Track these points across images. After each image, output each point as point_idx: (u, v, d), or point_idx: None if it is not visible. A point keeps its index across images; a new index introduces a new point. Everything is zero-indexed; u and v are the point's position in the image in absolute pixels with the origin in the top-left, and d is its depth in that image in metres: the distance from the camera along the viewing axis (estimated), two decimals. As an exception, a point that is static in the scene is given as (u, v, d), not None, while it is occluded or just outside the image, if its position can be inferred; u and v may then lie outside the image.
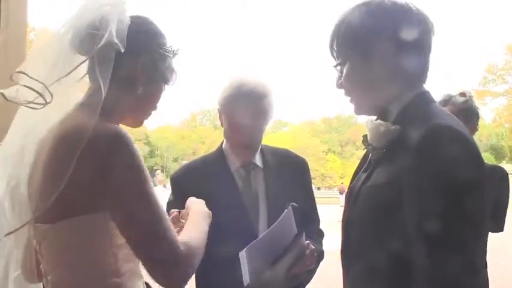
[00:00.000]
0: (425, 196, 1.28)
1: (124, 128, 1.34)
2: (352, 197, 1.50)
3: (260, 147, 2.25)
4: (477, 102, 2.98)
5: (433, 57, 1.52)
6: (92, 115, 1.32)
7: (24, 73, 1.36)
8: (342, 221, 1.57)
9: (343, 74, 1.49)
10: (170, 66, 1.49)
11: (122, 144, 1.28)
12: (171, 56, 1.50)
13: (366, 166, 1.51)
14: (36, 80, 1.36)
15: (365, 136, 1.52)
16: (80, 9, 1.42)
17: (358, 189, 1.47)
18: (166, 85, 1.51)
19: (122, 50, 1.39)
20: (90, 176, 1.27)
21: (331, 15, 1.54)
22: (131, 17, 1.46)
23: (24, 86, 1.36)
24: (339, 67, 1.51)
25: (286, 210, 1.72)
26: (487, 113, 48.69)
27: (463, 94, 2.63)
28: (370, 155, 1.51)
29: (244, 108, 2.06)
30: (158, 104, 1.54)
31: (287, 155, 2.36)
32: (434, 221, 1.27)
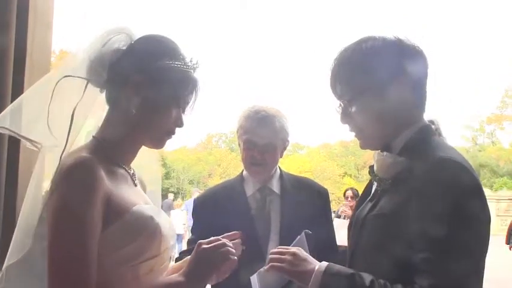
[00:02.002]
0: (431, 223, 1.30)
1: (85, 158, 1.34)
2: (358, 226, 1.52)
3: (280, 173, 2.28)
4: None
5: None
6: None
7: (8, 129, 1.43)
8: (348, 248, 1.59)
9: (354, 110, 1.51)
10: (177, 82, 1.46)
11: (66, 175, 1.30)
12: (177, 69, 1.45)
13: (371, 196, 1.54)
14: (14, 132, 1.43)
15: (371, 167, 1.55)
16: (90, 43, 1.45)
17: (363, 218, 1.50)
18: (179, 106, 1.49)
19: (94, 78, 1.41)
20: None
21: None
22: (137, 39, 1.49)
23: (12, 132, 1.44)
24: (342, 103, 1.54)
25: (299, 236, 1.73)
26: (505, 137, 48.21)
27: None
28: (374, 185, 1.54)
29: (255, 126, 2.14)
30: (180, 122, 1.51)
31: (308, 184, 2.39)
32: (439, 246, 1.30)
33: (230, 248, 1.46)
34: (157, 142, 1.53)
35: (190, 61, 1.49)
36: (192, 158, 51.70)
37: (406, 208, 1.36)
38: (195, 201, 2.43)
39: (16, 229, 1.43)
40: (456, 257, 1.29)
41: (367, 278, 1.37)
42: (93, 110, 1.49)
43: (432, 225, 1.30)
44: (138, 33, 1.51)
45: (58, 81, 1.41)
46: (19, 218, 1.44)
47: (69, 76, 1.41)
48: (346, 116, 1.55)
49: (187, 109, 1.52)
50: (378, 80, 1.47)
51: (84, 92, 1.42)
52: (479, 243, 1.34)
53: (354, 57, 1.52)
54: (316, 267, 1.43)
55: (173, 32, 1.48)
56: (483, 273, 1.40)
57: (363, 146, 1.58)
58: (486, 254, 1.40)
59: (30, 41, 1.82)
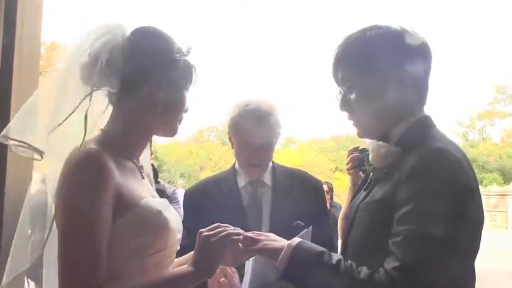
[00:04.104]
0: (410, 209, 1.30)
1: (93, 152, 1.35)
2: (352, 213, 1.54)
3: (272, 165, 2.26)
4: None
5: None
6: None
7: (11, 138, 1.44)
8: (342, 237, 1.60)
9: (353, 98, 1.51)
10: (183, 71, 1.49)
11: (75, 167, 1.32)
12: (181, 59, 1.49)
13: (366, 185, 1.54)
14: (23, 143, 1.44)
15: (367, 156, 1.55)
16: (81, 39, 1.45)
17: (357, 206, 1.50)
18: (187, 90, 1.53)
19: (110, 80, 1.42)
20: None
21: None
22: (132, 33, 1.49)
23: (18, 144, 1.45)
24: (342, 90, 1.54)
25: (306, 229, 1.71)
26: (495, 134, 48.48)
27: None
28: (371, 175, 1.54)
29: (251, 126, 2.09)
30: (187, 108, 1.55)
31: (301, 176, 2.36)
32: (412, 232, 1.30)
33: (231, 230, 1.48)
34: (173, 129, 1.55)
35: (187, 49, 1.51)
36: (184, 152, 51.58)
37: (394, 195, 1.37)
38: (186, 192, 2.39)
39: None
40: (426, 244, 1.28)
41: (336, 257, 1.40)
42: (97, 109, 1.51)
43: (411, 211, 1.31)
44: (129, 29, 1.51)
45: (87, 95, 1.42)
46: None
47: (98, 89, 1.44)
48: (345, 104, 1.55)
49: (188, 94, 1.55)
50: (379, 70, 1.47)
51: (90, 99, 1.43)
52: (456, 237, 1.31)
53: (356, 46, 1.51)
54: (289, 242, 1.46)
55: (173, 31, 1.49)
56: (465, 271, 1.40)
57: (361, 135, 1.58)
58: (469, 250, 1.39)
59: (19, 32, 1.79)
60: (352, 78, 1.51)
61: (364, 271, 1.33)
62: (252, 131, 2.12)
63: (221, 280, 1.75)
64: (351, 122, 1.58)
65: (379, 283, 1.30)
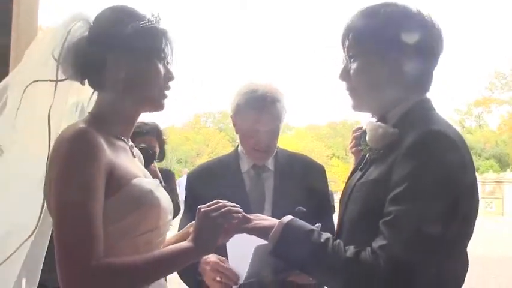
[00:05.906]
0: (407, 194, 1.32)
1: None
2: (347, 194, 1.54)
3: (275, 150, 2.26)
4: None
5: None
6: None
7: None
8: (338, 216, 1.60)
9: (353, 68, 1.51)
10: (150, 39, 1.47)
11: (66, 146, 1.31)
12: (145, 28, 1.45)
13: (362, 165, 1.55)
14: None
15: (364, 136, 1.55)
16: (51, 32, 1.47)
17: (352, 187, 1.51)
18: (161, 60, 1.50)
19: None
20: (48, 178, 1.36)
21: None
22: (94, 18, 1.49)
23: None
24: (347, 58, 1.54)
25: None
26: (492, 120, 48.50)
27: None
28: (367, 155, 1.54)
29: (259, 113, 2.08)
30: (171, 77, 1.53)
31: (303, 161, 2.36)
32: (401, 212, 1.30)
33: (231, 207, 1.49)
34: (157, 103, 1.54)
35: (152, 16, 1.49)
36: (180, 138, 51.45)
37: (390, 176, 1.37)
38: (189, 176, 2.39)
39: None
40: (416, 226, 1.28)
41: (324, 236, 1.41)
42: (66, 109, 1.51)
43: (403, 192, 1.31)
44: (92, 14, 1.51)
45: (27, 86, 1.43)
46: None
47: (38, 81, 1.43)
48: (345, 72, 1.55)
49: (170, 60, 1.53)
50: (386, 45, 1.47)
51: (54, 93, 1.43)
52: (448, 220, 1.31)
53: (369, 17, 1.51)
54: (280, 220, 1.48)
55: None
56: (456, 255, 1.40)
57: (354, 107, 1.58)
58: (461, 234, 1.39)
59: (15, 17, 1.78)
60: (357, 47, 1.51)
61: (350, 250, 1.35)
62: (260, 117, 2.10)
63: (217, 278, 1.77)
64: (347, 108, 1.59)
65: (364, 261, 1.31)
